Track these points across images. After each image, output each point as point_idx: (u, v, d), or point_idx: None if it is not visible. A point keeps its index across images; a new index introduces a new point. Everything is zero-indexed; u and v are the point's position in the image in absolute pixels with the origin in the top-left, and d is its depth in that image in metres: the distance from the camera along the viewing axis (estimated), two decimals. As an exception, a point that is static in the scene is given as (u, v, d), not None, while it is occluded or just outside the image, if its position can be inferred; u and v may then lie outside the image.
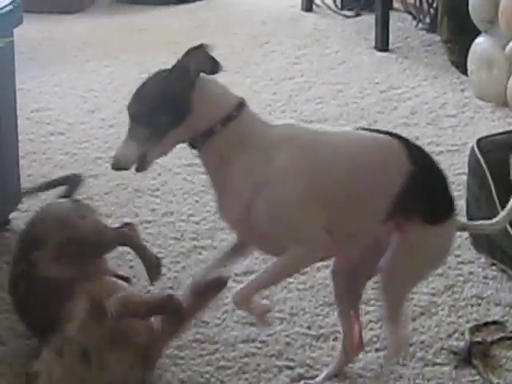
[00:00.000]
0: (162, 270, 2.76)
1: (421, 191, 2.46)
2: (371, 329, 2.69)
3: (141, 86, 2.34)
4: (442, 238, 2.52)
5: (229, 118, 2.33)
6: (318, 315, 2.82)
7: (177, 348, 2.65)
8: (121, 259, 3.10)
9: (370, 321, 2.72)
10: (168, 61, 4.95)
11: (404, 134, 4.03)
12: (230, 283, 2.95)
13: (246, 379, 2.52)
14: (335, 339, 2.68)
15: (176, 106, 2.29)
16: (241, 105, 2.38)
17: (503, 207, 2.97)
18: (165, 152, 2.35)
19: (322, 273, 3.05)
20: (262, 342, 2.66)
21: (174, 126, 2.29)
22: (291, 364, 2.59)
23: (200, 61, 2.35)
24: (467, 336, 2.71)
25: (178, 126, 2.29)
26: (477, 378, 2.53)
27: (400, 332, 2.52)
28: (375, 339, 2.67)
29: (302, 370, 2.56)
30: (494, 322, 2.79)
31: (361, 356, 2.61)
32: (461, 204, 3.35)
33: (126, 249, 2.97)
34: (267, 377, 2.53)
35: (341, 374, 2.54)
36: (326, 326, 2.77)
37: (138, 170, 2.34)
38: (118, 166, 2.32)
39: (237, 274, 3.04)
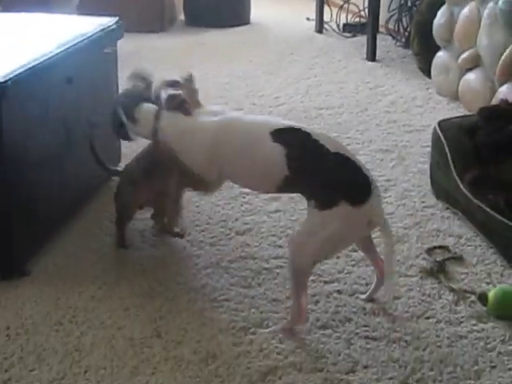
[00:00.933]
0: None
1: (306, 177, 2.21)
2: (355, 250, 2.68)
3: None
4: (329, 224, 2.15)
5: None
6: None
7: (227, 261, 2.68)
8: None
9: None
10: (221, 66, 4.95)
11: (386, 119, 4.13)
12: (265, 218, 3.01)
13: (276, 283, 2.54)
14: (338, 257, 2.68)
15: None
16: None
17: (457, 170, 2.98)
18: None
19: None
20: (287, 258, 2.66)
21: None
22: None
23: None
24: (428, 256, 2.73)
25: None
26: (435, 285, 2.54)
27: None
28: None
29: (313, 278, 2.52)
30: (441, 247, 2.79)
31: (355, 269, 2.63)
32: (425, 167, 3.37)
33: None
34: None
35: (340, 282, 2.56)
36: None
37: None
38: None
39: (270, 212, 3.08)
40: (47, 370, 2.10)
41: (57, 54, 2.69)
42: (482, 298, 2.41)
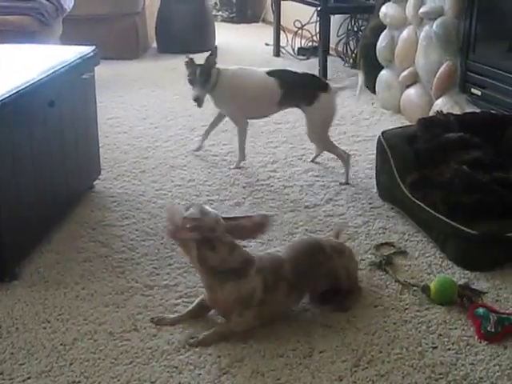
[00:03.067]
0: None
1: (293, 94, 3.36)
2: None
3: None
4: (320, 108, 3.36)
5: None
6: (284, 240, 2.81)
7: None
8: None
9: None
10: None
11: (337, 131, 4.12)
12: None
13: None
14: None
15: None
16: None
17: (399, 174, 2.98)
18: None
19: (287, 215, 3.06)
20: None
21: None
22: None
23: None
24: (375, 251, 2.73)
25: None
26: (383, 277, 2.54)
27: (338, 150, 3.44)
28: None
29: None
30: (387, 243, 2.79)
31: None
32: (372, 173, 3.37)
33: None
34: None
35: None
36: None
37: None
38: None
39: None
40: (36, 364, 2.07)
41: (39, 79, 2.67)
42: (425, 289, 2.42)
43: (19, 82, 2.57)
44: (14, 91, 2.49)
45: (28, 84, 2.59)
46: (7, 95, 2.44)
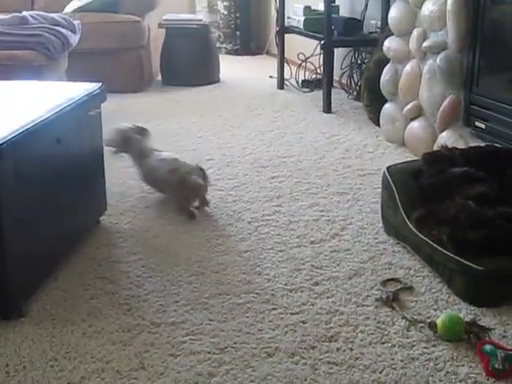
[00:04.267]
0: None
1: None
2: (317, 284, 2.66)
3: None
4: None
5: None
6: (290, 276, 2.81)
7: (204, 298, 2.65)
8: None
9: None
10: (194, 120, 4.92)
11: (341, 165, 4.16)
12: (237, 258, 2.98)
13: (248, 317, 2.51)
14: (302, 291, 2.69)
15: None
16: None
17: (404, 210, 2.99)
18: None
19: (293, 250, 3.07)
20: (257, 293, 2.66)
21: None
22: (275, 307, 2.58)
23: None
24: (382, 287, 2.73)
25: None
26: (389, 313, 2.53)
27: None
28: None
29: (281, 310, 2.55)
30: (393, 279, 2.78)
31: (317, 301, 2.62)
32: (377, 207, 3.38)
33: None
34: (261, 315, 2.52)
35: (304, 313, 2.55)
36: (296, 283, 2.76)
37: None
38: None
39: (240, 252, 3.05)
40: (43, 403, 2.07)
41: (47, 117, 2.69)
42: (432, 325, 2.41)
43: (27, 120, 2.59)
44: (22, 130, 2.51)
45: (35, 122, 2.61)
46: (15, 134, 2.45)
